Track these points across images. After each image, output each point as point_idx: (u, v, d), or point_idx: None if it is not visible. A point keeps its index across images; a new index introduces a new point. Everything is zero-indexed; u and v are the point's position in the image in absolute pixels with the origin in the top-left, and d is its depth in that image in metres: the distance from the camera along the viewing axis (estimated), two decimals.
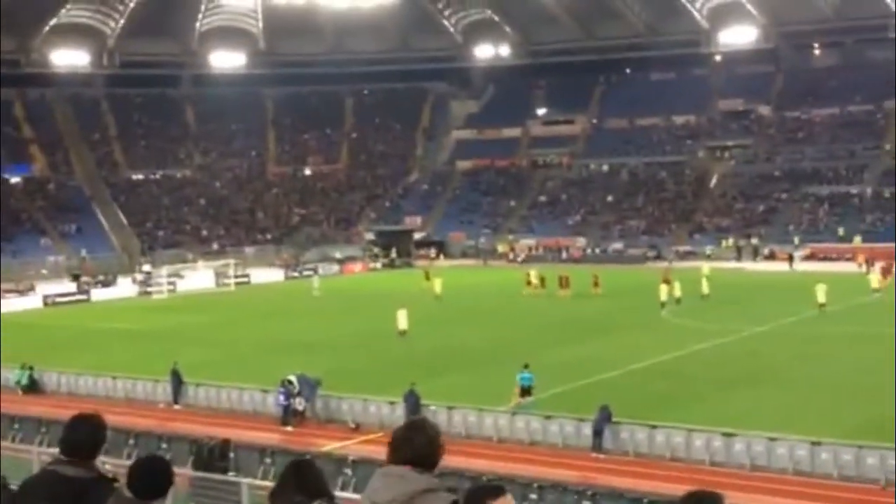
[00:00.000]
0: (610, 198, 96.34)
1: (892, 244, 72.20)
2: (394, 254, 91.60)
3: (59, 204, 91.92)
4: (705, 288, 56.40)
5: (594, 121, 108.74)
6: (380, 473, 4.31)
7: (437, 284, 61.85)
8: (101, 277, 75.84)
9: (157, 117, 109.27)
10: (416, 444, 4.28)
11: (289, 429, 31.18)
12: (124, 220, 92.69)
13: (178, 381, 34.98)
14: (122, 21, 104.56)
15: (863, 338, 42.40)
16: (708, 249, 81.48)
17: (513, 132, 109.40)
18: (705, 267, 65.91)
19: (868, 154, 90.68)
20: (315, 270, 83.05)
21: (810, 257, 77.12)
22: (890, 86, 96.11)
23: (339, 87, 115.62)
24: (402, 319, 45.87)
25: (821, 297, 49.94)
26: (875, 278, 57.11)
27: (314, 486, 4.61)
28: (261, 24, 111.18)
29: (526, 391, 30.83)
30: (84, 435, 5.02)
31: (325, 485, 4.69)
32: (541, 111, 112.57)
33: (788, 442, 25.31)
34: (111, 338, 50.38)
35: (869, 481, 23.81)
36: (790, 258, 75.12)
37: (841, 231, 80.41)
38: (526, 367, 31.33)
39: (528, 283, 62.56)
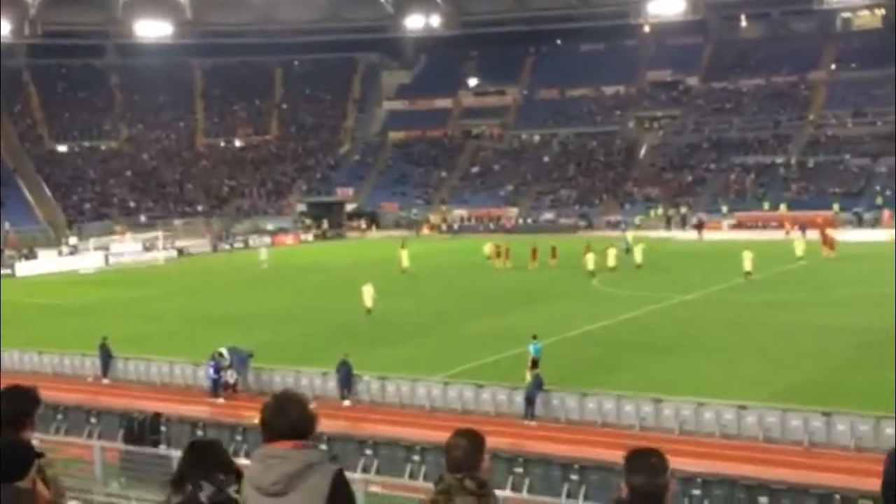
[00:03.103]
0: (541, 167, 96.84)
1: (815, 212, 74.04)
2: (325, 225, 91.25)
3: None
4: (638, 257, 56.68)
5: (525, 92, 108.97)
6: (259, 456, 4.17)
7: (405, 257, 58.85)
8: (25, 251, 74.41)
9: (82, 88, 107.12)
10: (292, 416, 4.20)
11: (220, 401, 31.01)
12: (49, 193, 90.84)
13: (107, 356, 34.49)
14: None
15: (787, 304, 43.28)
16: (637, 219, 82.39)
17: (444, 103, 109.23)
18: (629, 236, 66.20)
19: (793, 125, 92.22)
20: (246, 242, 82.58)
21: (737, 226, 78.37)
22: (814, 57, 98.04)
23: (269, 58, 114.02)
24: (368, 296, 43.24)
25: (747, 265, 50.77)
26: (800, 245, 58.10)
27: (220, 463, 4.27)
28: None
29: (535, 362, 30.40)
30: (4, 404, 4.93)
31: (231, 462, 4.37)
32: (472, 82, 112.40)
33: (715, 406, 25.83)
34: (37, 313, 49.41)
35: (793, 443, 24.44)
36: (699, 227, 76.22)
37: (766, 206, 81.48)
38: (534, 338, 30.87)
39: (497, 255, 59.91)
